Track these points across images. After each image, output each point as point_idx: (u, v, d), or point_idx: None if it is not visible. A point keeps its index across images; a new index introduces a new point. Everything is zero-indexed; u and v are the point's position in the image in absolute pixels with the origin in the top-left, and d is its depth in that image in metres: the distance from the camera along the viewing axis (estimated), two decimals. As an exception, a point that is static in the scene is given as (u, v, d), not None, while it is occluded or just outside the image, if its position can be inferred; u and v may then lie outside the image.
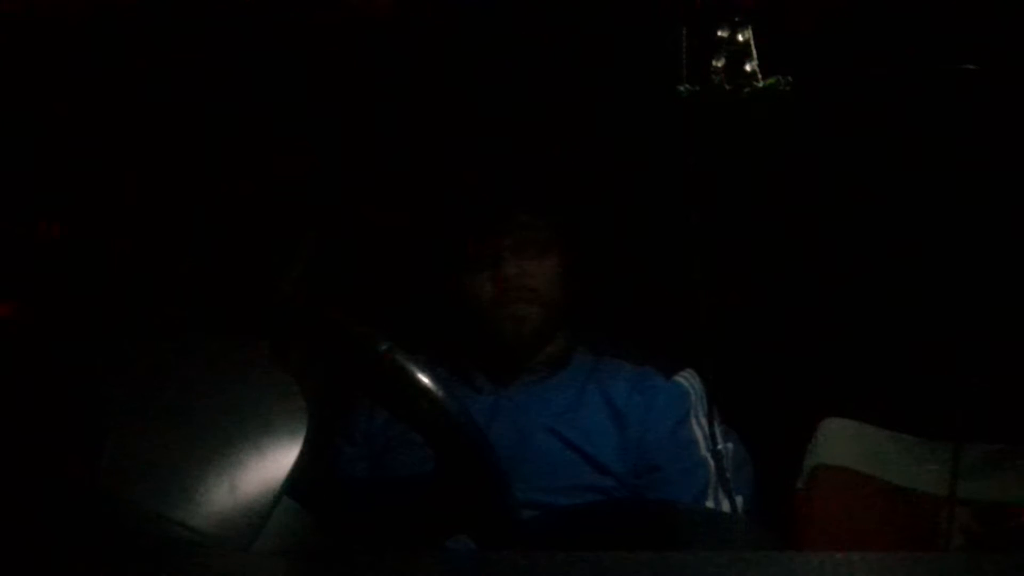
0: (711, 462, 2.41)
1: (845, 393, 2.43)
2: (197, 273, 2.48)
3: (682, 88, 1.88)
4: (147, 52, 2.37)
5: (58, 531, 1.62)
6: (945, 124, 2.30)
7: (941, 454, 2.31)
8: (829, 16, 2.10)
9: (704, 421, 2.45)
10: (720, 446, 2.38)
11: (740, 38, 1.87)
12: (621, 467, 2.45)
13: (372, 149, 2.63)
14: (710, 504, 2.41)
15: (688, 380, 2.49)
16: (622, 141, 2.55)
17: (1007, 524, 2.25)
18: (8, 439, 1.74)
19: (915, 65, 2.20)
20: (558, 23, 2.29)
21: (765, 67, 1.88)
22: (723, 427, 2.42)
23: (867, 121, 2.39)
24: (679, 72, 1.88)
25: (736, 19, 1.87)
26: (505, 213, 2.49)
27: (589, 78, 2.44)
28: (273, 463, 1.71)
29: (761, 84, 1.86)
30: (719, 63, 1.87)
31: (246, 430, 1.73)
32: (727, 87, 1.86)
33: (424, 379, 1.90)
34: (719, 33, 1.87)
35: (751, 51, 1.86)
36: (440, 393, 1.91)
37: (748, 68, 1.86)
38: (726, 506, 2.38)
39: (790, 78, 1.87)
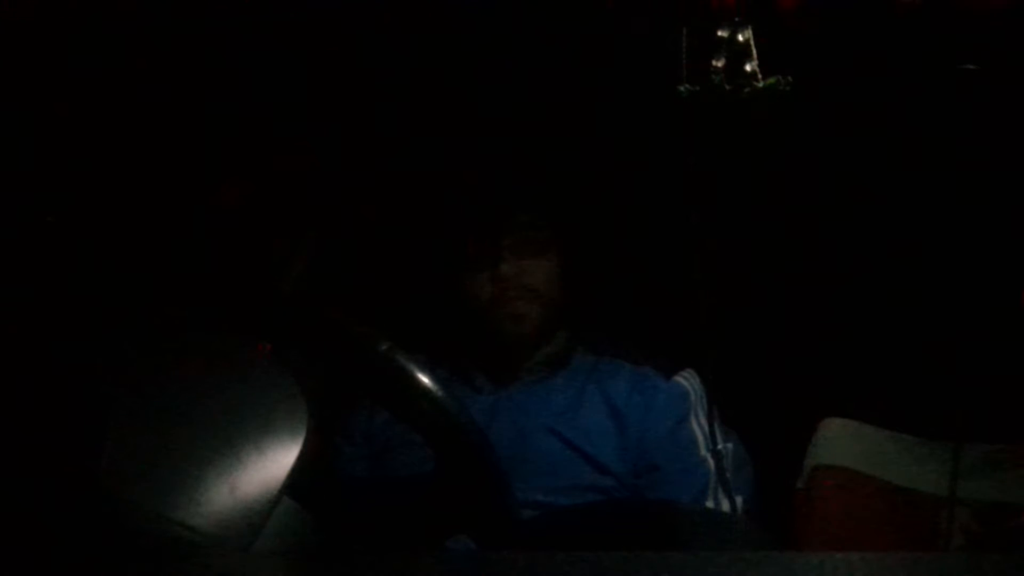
0: (711, 462, 2.41)
1: (845, 393, 2.43)
2: (197, 273, 2.48)
3: (682, 88, 1.88)
4: (147, 52, 2.37)
5: (58, 531, 1.62)
6: (945, 124, 2.30)
7: (941, 454, 2.31)
8: (829, 16, 2.10)
9: (704, 421, 2.45)
10: (720, 446, 2.37)
11: (740, 38, 1.87)
12: (621, 467, 2.45)
13: (372, 149, 2.63)
14: (710, 504, 2.41)
15: (688, 380, 2.49)
16: (622, 141, 2.55)
17: (1007, 524, 2.26)
18: (8, 439, 1.74)
19: (915, 65, 2.20)
20: (558, 23, 2.29)
21: (765, 67, 1.88)
22: (723, 427, 2.42)
23: (867, 121, 2.39)
24: (679, 72, 1.88)
25: (736, 19, 1.87)
26: (505, 213, 2.49)
27: (589, 78, 2.44)
28: (273, 463, 1.71)
29: (761, 84, 1.86)
30: (719, 63, 1.87)
31: (246, 430, 1.73)
32: (727, 87, 1.86)
33: (424, 379, 1.90)
34: (719, 33, 1.87)
35: (751, 51, 1.86)
36: (440, 393, 1.91)
37: (748, 68, 1.86)
38: (726, 506, 2.38)
39: (790, 78, 1.87)
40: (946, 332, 2.36)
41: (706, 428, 2.44)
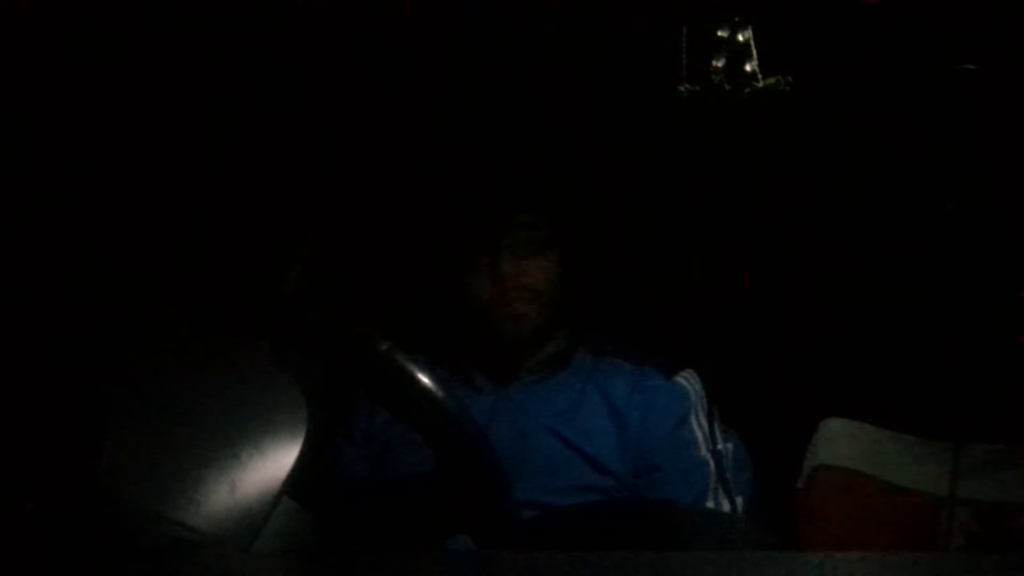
0: (711, 462, 2.41)
1: (845, 393, 2.43)
2: (197, 273, 2.48)
3: (682, 88, 1.88)
4: (147, 52, 2.37)
5: (58, 531, 1.62)
6: (945, 124, 2.30)
7: (941, 454, 2.31)
8: (829, 16, 2.10)
9: (704, 421, 2.45)
10: (720, 446, 2.37)
11: (740, 38, 1.87)
12: (621, 467, 2.45)
13: (372, 149, 2.63)
14: (710, 504, 2.41)
15: (688, 380, 2.49)
16: (622, 141, 2.55)
17: (1007, 524, 2.25)
18: (8, 439, 1.74)
19: (915, 65, 2.20)
20: (558, 23, 2.29)
21: (765, 67, 1.88)
22: (723, 427, 2.42)
23: (867, 121, 2.39)
24: (679, 72, 1.88)
25: (736, 19, 1.87)
26: (505, 213, 2.49)
27: (589, 78, 2.44)
28: (273, 463, 1.71)
29: (761, 84, 1.86)
30: (719, 63, 1.87)
31: (246, 430, 1.73)
32: (727, 87, 1.86)
33: (424, 379, 1.90)
34: (719, 33, 1.87)
35: (751, 51, 1.86)
36: (440, 393, 1.91)
37: (748, 68, 1.86)
38: (726, 506, 2.38)
39: (790, 78, 1.87)
40: (946, 332, 2.36)
41: (706, 428, 2.44)
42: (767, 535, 2.29)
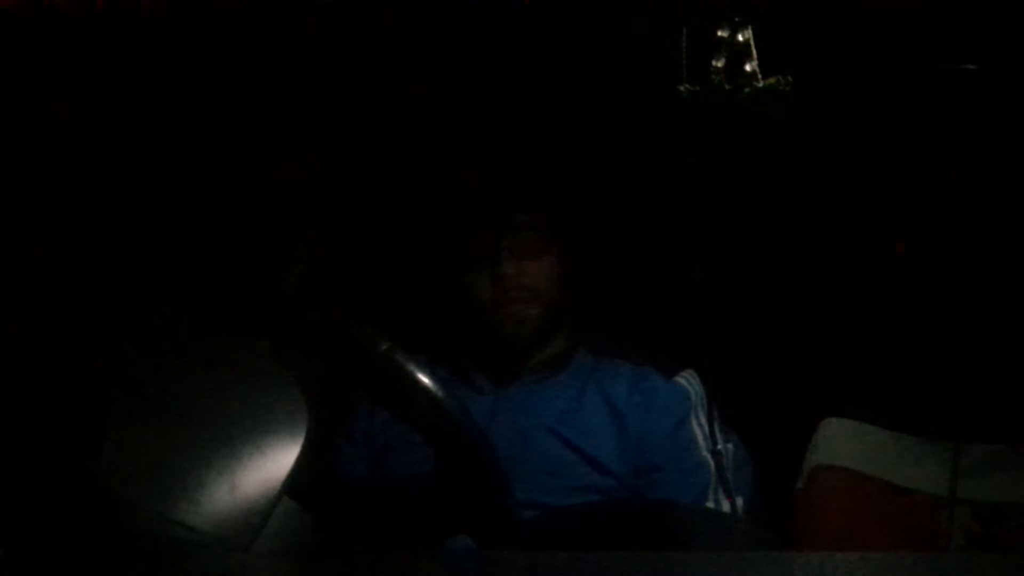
0: (711, 462, 2.41)
1: (845, 393, 2.43)
2: (197, 273, 2.48)
3: (682, 88, 1.88)
4: (147, 52, 2.37)
5: (58, 531, 1.62)
6: (945, 124, 2.30)
7: (941, 454, 2.31)
8: (829, 16, 2.10)
9: (704, 421, 2.45)
10: (720, 446, 2.37)
11: (740, 38, 1.87)
12: (621, 467, 2.45)
13: (372, 149, 2.63)
14: (710, 504, 2.41)
15: (688, 380, 2.49)
16: (622, 141, 2.55)
17: (1007, 524, 2.25)
18: (8, 439, 1.74)
19: (915, 65, 2.20)
20: (558, 23, 2.29)
21: (765, 67, 1.88)
22: (723, 427, 2.42)
23: (867, 121, 2.39)
24: (679, 72, 1.88)
25: (736, 19, 1.87)
26: (505, 213, 2.48)
27: (589, 78, 2.44)
28: (273, 463, 1.71)
29: (761, 84, 1.86)
30: (719, 63, 1.87)
31: (246, 430, 1.73)
32: (727, 87, 1.86)
33: (424, 379, 1.90)
34: (719, 33, 1.87)
35: (751, 51, 1.86)
36: (440, 393, 1.91)
37: (748, 68, 1.86)
38: (726, 506, 2.38)
39: (790, 78, 1.87)
40: (946, 332, 2.36)
41: (706, 428, 2.44)
42: (767, 535, 2.29)
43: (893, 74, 2.24)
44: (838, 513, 2.30)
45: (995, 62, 2.15)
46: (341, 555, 1.79)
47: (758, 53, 1.86)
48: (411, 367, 1.90)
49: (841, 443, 2.36)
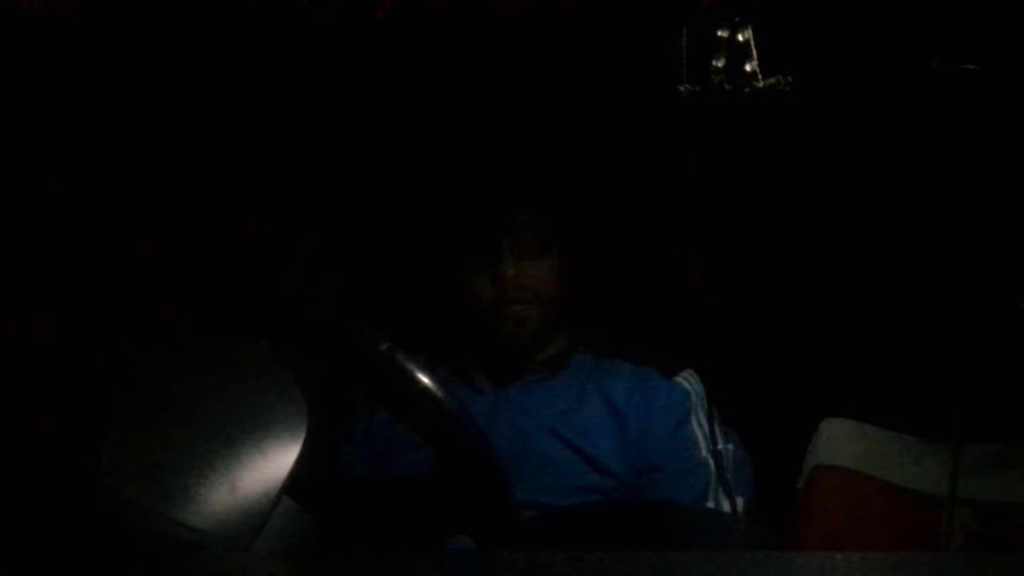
0: (711, 463, 2.41)
1: (845, 393, 2.43)
2: (197, 273, 2.48)
3: (682, 88, 1.88)
4: (148, 52, 2.37)
5: (58, 531, 1.62)
6: (945, 124, 2.30)
7: (941, 454, 2.31)
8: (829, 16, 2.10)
9: (704, 422, 2.45)
10: (720, 446, 2.37)
11: (740, 38, 1.87)
12: (621, 467, 2.44)
13: (372, 149, 2.63)
14: (710, 505, 2.41)
15: (688, 381, 2.49)
16: (622, 141, 2.55)
17: (1007, 524, 2.25)
18: (8, 439, 1.74)
19: (915, 65, 2.20)
20: (558, 23, 2.29)
21: (765, 67, 1.88)
22: (723, 427, 2.42)
23: (867, 121, 2.39)
24: (679, 72, 1.88)
25: (736, 19, 1.87)
26: (505, 213, 2.48)
27: (589, 78, 2.44)
28: (273, 463, 1.71)
29: (761, 84, 1.87)
30: (719, 63, 1.87)
31: (246, 430, 1.73)
32: (727, 87, 1.86)
33: (424, 379, 1.90)
34: (719, 33, 1.87)
35: (751, 51, 1.87)
36: (440, 393, 1.91)
37: (748, 68, 1.87)
38: (726, 506, 2.38)
39: (790, 78, 1.87)
40: (947, 332, 2.36)
41: (706, 429, 2.44)
42: (767, 535, 2.29)
43: (893, 74, 2.24)
44: (838, 513, 2.30)
45: (995, 62, 2.15)
46: (341, 555, 1.79)
47: (758, 53, 1.87)
48: (411, 367, 1.90)
49: (841, 443, 2.36)
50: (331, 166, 2.64)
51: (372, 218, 2.68)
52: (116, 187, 2.54)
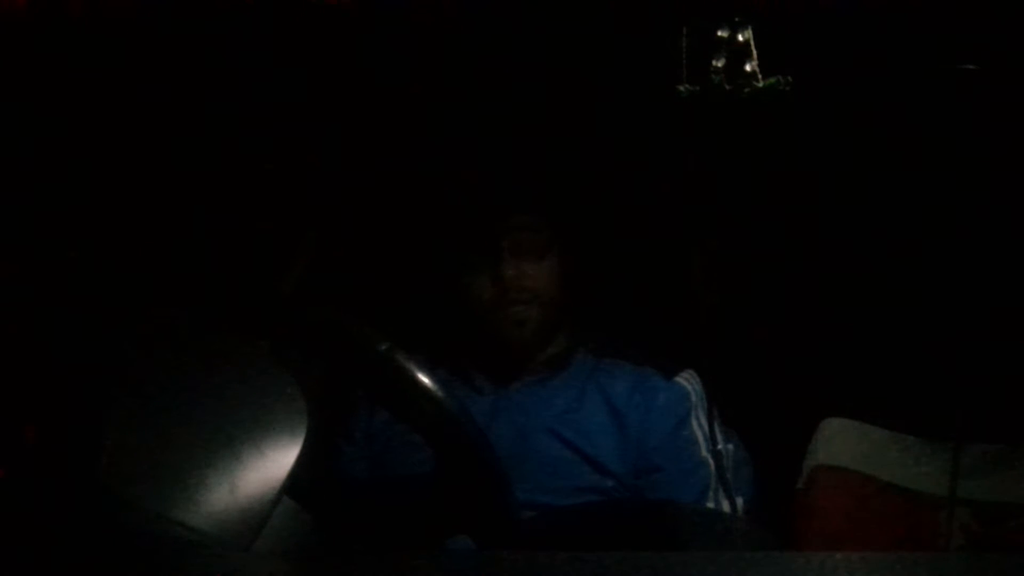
0: (711, 463, 2.41)
1: (845, 393, 2.43)
2: (197, 273, 2.48)
3: (682, 88, 1.88)
4: (147, 52, 2.37)
5: (58, 531, 1.62)
6: (945, 124, 2.30)
7: (941, 454, 2.31)
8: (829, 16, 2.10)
9: (704, 422, 2.45)
10: (720, 446, 2.37)
11: (740, 38, 1.87)
12: (621, 468, 2.45)
13: (372, 149, 2.63)
14: (710, 505, 2.41)
15: (688, 381, 2.49)
16: (622, 141, 2.54)
17: (1007, 524, 2.26)
18: (9, 439, 1.74)
19: (915, 65, 2.20)
20: (558, 23, 2.29)
21: (765, 67, 1.88)
22: (723, 427, 2.42)
23: (867, 121, 2.39)
24: (679, 72, 1.88)
25: (736, 19, 1.87)
26: (504, 214, 2.48)
27: (589, 78, 2.44)
28: (273, 463, 1.71)
29: (761, 84, 1.86)
30: (719, 63, 1.87)
31: (246, 430, 1.73)
32: (727, 87, 1.86)
33: (424, 379, 1.90)
34: (719, 33, 1.87)
35: (751, 51, 1.87)
36: (440, 393, 1.91)
37: (748, 68, 1.87)
38: (726, 506, 2.38)
39: (790, 78, 1.87)
40: (947, 332, 2.36)
41: (707, 429, 2.44)
42: (767, 535, 2.29)
43: (893, 74, 2.24)
44: (838, 513, 2.30)
45: (995, 62, 2.15)
46: (341, 555, 1.79)
47: (758, 53, 1.87)
48: (411, 367, 1.90)
49: (841, 443, 2.36)
50: (331, 166, 2.64)
51: (372, 218, 2.68)
52: (116, 187, 2.54)
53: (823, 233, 2.55)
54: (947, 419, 2.28)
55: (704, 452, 2.45)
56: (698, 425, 2.47)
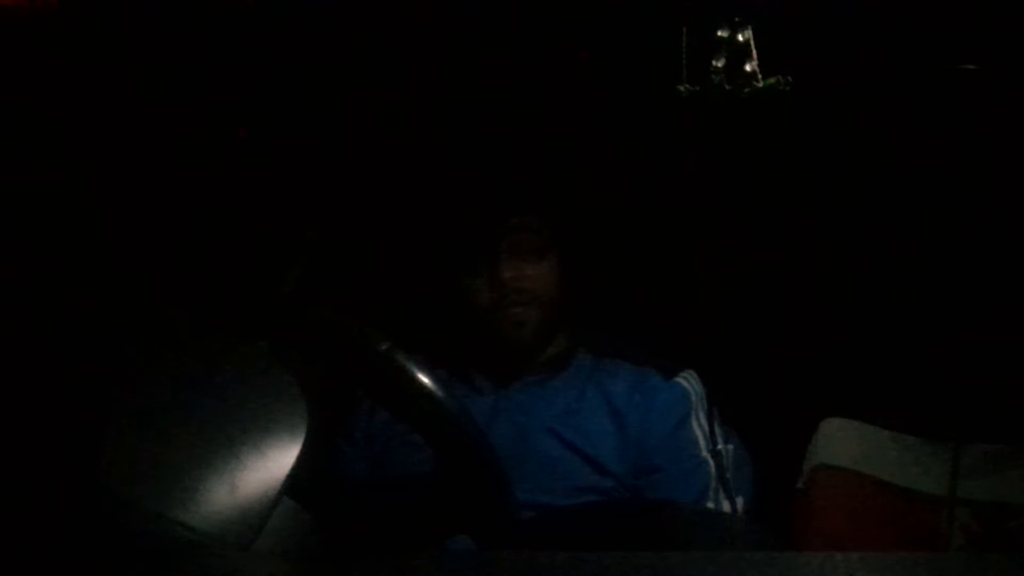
0: (711, 463, 2.41)
1: (845, 393, 2.43)
2: (197, 273, 2.48)
3: (682, 88, 1.88)
4: (147, 52, 2.37)
5: (58, 531, 1.62)
6: (945, 124, 2.30)
7: (941, 454, 2.31)
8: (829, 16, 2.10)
9: (704, 422, 2.45)
10: (720, 446, 2.37)
11: (740, 38, 1.87)
12: (621, 468, 2.45)
13: (372, 149, 2.63)
14: (710, 505, 2.41)
15: (688, 381, 2.49)
16: (622, 141, 2.55)
17: (1007, 524, 2.26)
18: (8, 439, 1.74)
19: (915, 65, 2.20)
20: (558, 23, 2.29)
21: (765, 67, 1.88)
22: (723, 427, 2.42)
23: (867, 121, 2.39)
24: (679, 72, 1.88)
25: (736, 19, 1.87)
26: (504, 215, 2.48)
27: (589, 78, 2.44)
28: (273, 463, 1.71)
29: (761, 84, 1.87)
30: (719, 63, 1.87)
31: (246, 430, 1.73)
32: (727, 87, 1.86)
33: (424, 379, 1.90)
34: (719, 33, 1.87)
35: (751, 51, 1.87)
36: (440, 393, 1.91)
37: (748, 68, 1.87)
38: (726, 506, 2.38)
39: (790, 78, 1.87)
40: (947, 332, 2.36)
41: (706, 429, 2.44)
42: (767, 535, 2.29)
43: (893, 74, 2.24)
44: (838, 513, 2.30)
45: (995, 62, 2.15)
46: (341, 555, 1.79)
47: (758, 53, 1.87)
48: (411, 367, 1.90)
49: (841, 443, 2.36)
50: (331, 166, 2.64)
51: (372, 218, 2.68)
52: (116, 187, 2.54)
53: (823, 233, 2.55)
54: (947, 419, 2.28)
55: (704, 452, 2.45)
56: (698, 425, 2.46)
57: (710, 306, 2.26)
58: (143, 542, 1.64)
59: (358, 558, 1.77)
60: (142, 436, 1.72)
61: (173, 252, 2.52)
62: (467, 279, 2.47)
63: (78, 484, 1.69)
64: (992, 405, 2.29)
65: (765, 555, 1.94)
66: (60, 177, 2.50)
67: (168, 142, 2.53)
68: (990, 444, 2.32)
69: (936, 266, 2.40)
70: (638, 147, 2.54)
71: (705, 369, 2.44)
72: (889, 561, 1.60)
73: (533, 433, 2.46)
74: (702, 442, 2.45)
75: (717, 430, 2.36)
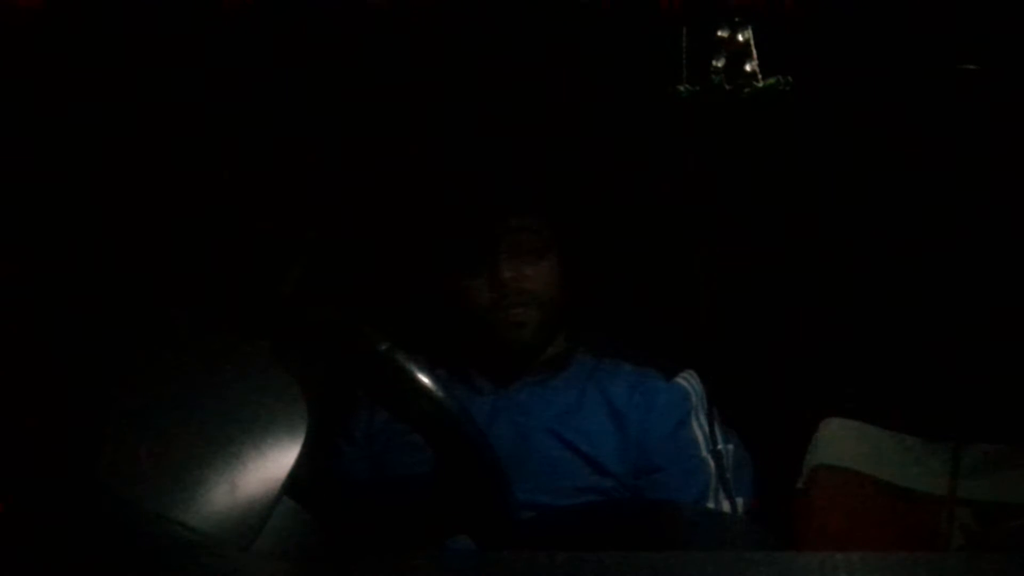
0: (711, 463, 2.41)
1: (845, 393, 2.43)
2: (197, 273, 2.48)
3: (682, 88, 1.88)
4: (147, 52, 2.37)
5: (58, 531, 1.62)
6: (945, 124, 2.30)
7: (941, 454, 2.31)
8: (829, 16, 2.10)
9: (704, 422, 2.45)
10: (720, 446, 2.37)
11: (740, 38, 1.87)
12: (621, 468, 2.45)
13: (372, 149, 2.63)
14: (710, 505, 2.41)
15: (688, 381, 2.49)
16: (621, 141, 2.55)
17: (1007, 524, 2.26)
18: (8, 439, 1.74)
19: (915, 65, 2.20)
20: (557, 23, 2.29)
21: (765, 67, 1.88)
22: (723, 427, 2.42)
23: (867, 121, 2.39)
24: (679, 72, 1.88)
25: (736, 19, 1.87)
26: (503, 215, 2.48)
27: (588, 78, 2.44)
28: (273, 463, 1.71)
29: (761, 84, 1.87)
30: (719, 63, 1.87)
31: (246, 430, 1.73)
32: (727, 87, 1.86)
33: (424, 379, 1.90)
34: (719, 33, 1.87)
35: (751, 51, 1.87)
36: (440, 393, 1.91)
37: (748, 68, 1.87)
38: (726, 506, 2.38)
39: (790, 78, 1.87)
40: (947, 332, 2.36)
41: (707, 429, 2.44)
42: (767, 535, 2.29)
43: (893, 74, 2.24)
44: (838, 513, 2.30)
45: (995, 62, 2.15)
46: (341, 555, 1.79)
47: (758, 53, 1.87)
48: (411, 367, 1.90)
49: (841, 443, 2.36)
50: (331, 166, 2.64)
51: (372, 218, 2.68)
52: (117, 187, 2.54)
53: (823, 233, 2.55)
54: (947, 419, 2.28)
55: (704, 452, 2.45)
56: (698, 425, 2.46)
57: (710, 306, 2.26)
58: (143, 542, 1.64)
59: (358, 558, 1.77)
60: (142, 436, 1.72)
61: (173, 252, 2.52)
62: (467, 279, 2.47)
63: (78, 484, 1.69)
64: (992, 405, 2.29)
65: (765, 555, 1.94)
66: (60, 177, 2.50)
67: (168, 142, 2.53)
68: (990, 444, 2.32)
69: (936, 266, 2.40)
70: (638, 147, 2.54)
71: (705, 369, 2.44)
72: (889, 561, 1.60)
73: (533, 433, 2.46)
74: (702, 442, 2.45)
75: (717, 430, 2.36)
